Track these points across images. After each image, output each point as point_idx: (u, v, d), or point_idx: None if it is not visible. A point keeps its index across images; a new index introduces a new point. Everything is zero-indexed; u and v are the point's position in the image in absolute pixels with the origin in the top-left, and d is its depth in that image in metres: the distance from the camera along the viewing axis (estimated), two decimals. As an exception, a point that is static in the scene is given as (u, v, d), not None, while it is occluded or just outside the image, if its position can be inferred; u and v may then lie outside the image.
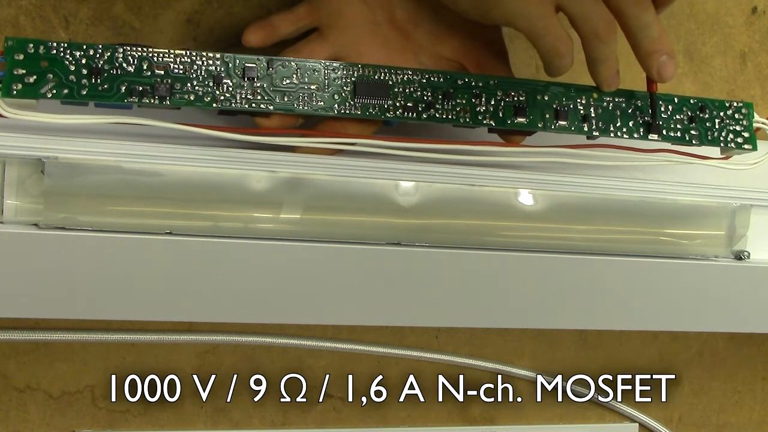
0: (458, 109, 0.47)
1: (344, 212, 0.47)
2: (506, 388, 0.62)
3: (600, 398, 0.64)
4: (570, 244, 0.50)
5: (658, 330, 0.63)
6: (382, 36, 0.49)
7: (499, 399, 0.62)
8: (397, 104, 0.46)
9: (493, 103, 0.47)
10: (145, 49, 0.42)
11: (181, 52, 0.43)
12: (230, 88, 0.43)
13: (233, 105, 0.43)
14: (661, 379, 0.65)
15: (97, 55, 0.42)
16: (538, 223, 0.49)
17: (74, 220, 0.43)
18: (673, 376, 0.66)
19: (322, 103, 0.45)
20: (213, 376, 0.57)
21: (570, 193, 0.49)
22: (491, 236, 0.49)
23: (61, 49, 0.42)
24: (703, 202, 0.52)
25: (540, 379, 0.62)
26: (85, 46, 0.42)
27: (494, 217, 0.49)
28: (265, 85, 0.44)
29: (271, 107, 0.44)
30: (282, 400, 0.58)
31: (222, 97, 0.43)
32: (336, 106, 0.45)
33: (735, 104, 0.51)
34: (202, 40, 0.53)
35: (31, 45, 0.41)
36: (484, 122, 0.47)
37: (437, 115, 0.46)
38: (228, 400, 0.57)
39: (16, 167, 0.43)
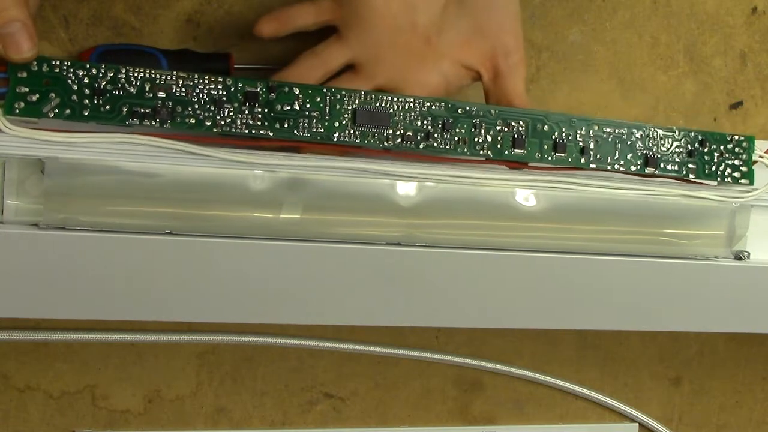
0: (456, 139, 0.47)
1: (344, 212, 0.47)
2: (506, 388, 0.63)
3: (600, 398, 0.64)
4: (570, 244, 0.50)
5: (658, 330, 0.63)
6: (402, 41, 0.49)
7: (499, 399, 0.62)
8: (397, 133, 0.46)
9: (492, 133, 0.47)
10: (147, 71, 0.42)
11: (183, 74, 0.43)
12: (231, 113, 0.43)
13: (233, 130, 0.43)
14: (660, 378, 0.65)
15: (100, 75, 0.42)
16: (538, 224, 0.49)
17: (74, 220, 0.43)
18: (673, 376, 0.66)
19: (322, 130, 0.45)
20: (213, 376, 0.57)
21: (570, 194, 0.49)
22: (491, 236, 0.49)
23: (65, 68, 0.41)
24: (703, 203, 0.52)
25: (540, 379, 0.62)
26: (88, 65, 0.42)
27: (494, 217, 0.49)
28: (265, 111, 0.44)
29: (271, 133, 0.44)
30: (282, 400, 0.58)
31: (222, 122, 0.43)
32: (336, 133, 0.45)
33: (736, 138, 0.51)
34: (202, 40, 0.53)
35: (35, 62, 0.41)
36: (481, 153, 0.47)
37: (435, 145, 0.46)
38: (228, 400, 0.57)
39: (17, 167, 0.43)
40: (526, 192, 0.49)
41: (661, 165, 0.50)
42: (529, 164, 0.49)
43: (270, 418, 0.58)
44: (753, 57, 0.64)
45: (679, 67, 0.62)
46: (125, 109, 0.42)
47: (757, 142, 0.52)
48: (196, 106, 0.43)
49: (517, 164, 0.49)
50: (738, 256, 0.53)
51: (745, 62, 0.64)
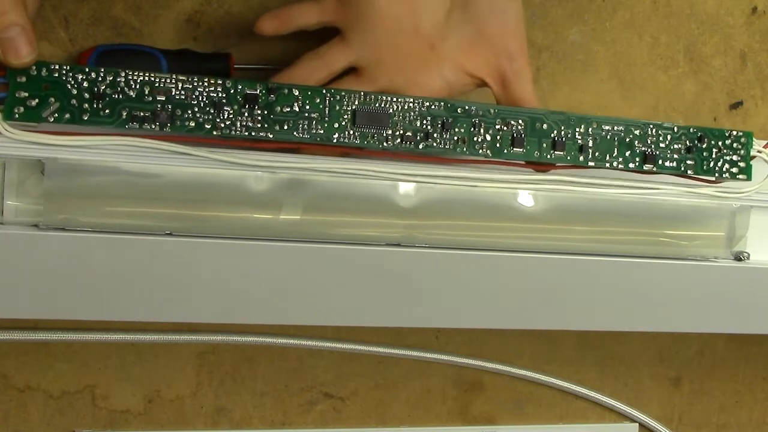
0: (456, 138, 0.46)
1: (344, 213, 0.47)
2: (506, 388, 0.63)
3: (600, 398, 0.64)
4: (570, 245, 0.50)
5: (658, 330, 0.63)
6: (406, 45, 0.48)
7: (499, 399, 0.62)
8: (396, 133, 0.46)
9: (491, 132, 0.47)
10: (147, 74, 0.42)
11: (183, 77, 0.43)
12: (230, 115, 0.43)
13: (233, 133, 0.43)
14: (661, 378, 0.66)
15: (99, 79, 0.42)
16: (538, 225, 0.49)
17: (74, 220, 0.43)
18: (673, 376, 0.66)
19: (321, 131, 0.45)
20: (213, 376, 0.57)
21: (570, 195, 0.49)
22: (491, 237, 0.49)
23: (63, 72, 0.41)
24: (703, 203, 0.52)
25: (540, 379, 0.62)
26: (87, 69, 0.42)
27: (494, 218, 0.49)
28: (265, 113, 0.44)
29: (271, 135, 0.44)
30: (282, 400, 0.58)
31: (222, 125, 0.43)
32: (335, 135, 0.45)
33: (734, 133, 0.51)
34: (202, 40, 0.53)
35: (33, 66, 0.41)
36: (480, 152, 0.47)
37: (435, 145, 0.46)
38: (228, 400, 0.57)
39: (16, 168, 0.43)
40: (526, 193, 0.49)
41: (660, 162, 0.50)
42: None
43: (270, 418, 0.58)
44: (753, 57, 0.64)
45: (679, 67, 0.62)
46: (125, 113, 0.42)
47: (756, 141, 0.51)
48: (196, 109, 0.43)
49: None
50: (738, 257, 0.53)
51: (745, 62, 0.64)
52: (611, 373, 0.65)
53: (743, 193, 0.51)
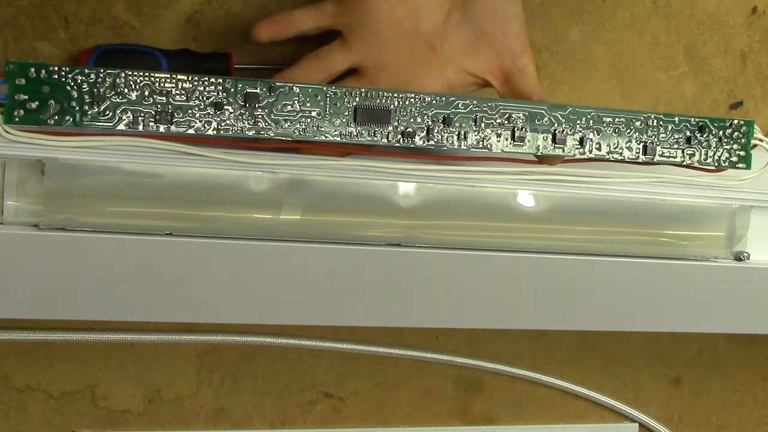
0: (457, 134, 0.46)
1: (344, 213, 0.47)
2: (506, 388, 0.63)
3: (600, 398, 0.64)
4: (570, 245, 0.50)
5: (658, 330, 0.63)
6: (407, 47, 0.48)
7: (499, 399, 0.62)
8: (398, 129, 0.46)
9: (492, 127, 0.47)
10: (147, 75, 0.42)
11: (183, 77, 0.43)
12: (231, 114, 0.43)
13: (233, 132, 0.43)
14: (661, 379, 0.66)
15: (99, 80, 0.42)
16: (538, 225, 0.49)
17: (74, 221, 0.43)
18: (673, 376, 0.66)
19: (322, 128, 0.45)
20: (213, 376, 0.57)
21: (570, 195, 0.49)
22: (491, 237, 0.49)
23: (63, 73, 0.41)
24: (703, 204, 0.52)
25: (540, 379, 0.62)
26: (86, 70, 0.41)
27: (494, 218, 0.49)
28: (266, 112, 0.44)
29: (272, 134, 0.44)
30: (282, 400, 0.58)
31: (223, 124, 0.43)
32: (337, 132, 0.45)
33: (736, 122, 0.50)
34: (202, 40, 0.53)
35: (33, 69, 0.41)
36: (480, 147, 0.47)
37: (435, 141, 0.46)
38: (228, 400, 0.57)
39: (17, 168, 0.43)
40: (525, 193, 0.49)
41: (660, 152, 0.50)
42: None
43: (270, 418, 0.58)
44: (753, 57, 0.64)
45: (679, 67, 0.62)
46: (125, 116, 0.42)
47: (757, 129, 0.51)
48: (197, 109, 0.43)
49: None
50: (738, 257, 0.53)
51: (745, 62, 0.64)
52: (611, 373, 0.65)
53: (742, 181, 0.51)
